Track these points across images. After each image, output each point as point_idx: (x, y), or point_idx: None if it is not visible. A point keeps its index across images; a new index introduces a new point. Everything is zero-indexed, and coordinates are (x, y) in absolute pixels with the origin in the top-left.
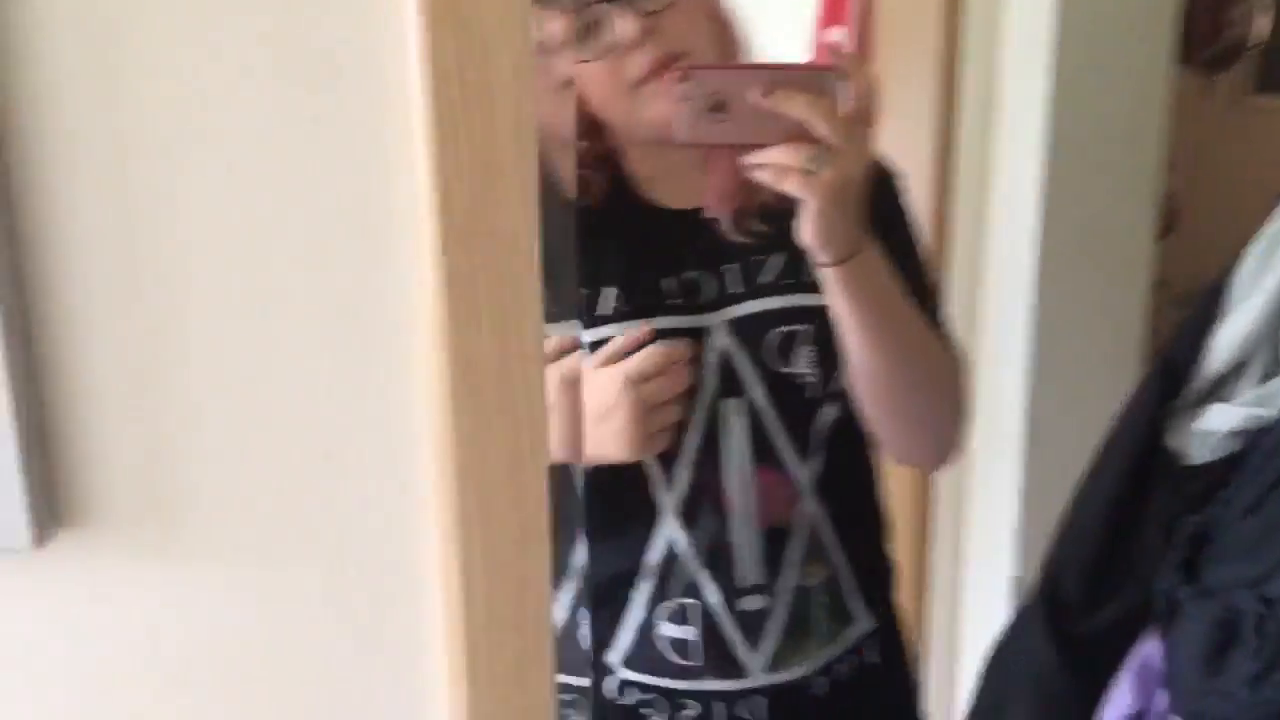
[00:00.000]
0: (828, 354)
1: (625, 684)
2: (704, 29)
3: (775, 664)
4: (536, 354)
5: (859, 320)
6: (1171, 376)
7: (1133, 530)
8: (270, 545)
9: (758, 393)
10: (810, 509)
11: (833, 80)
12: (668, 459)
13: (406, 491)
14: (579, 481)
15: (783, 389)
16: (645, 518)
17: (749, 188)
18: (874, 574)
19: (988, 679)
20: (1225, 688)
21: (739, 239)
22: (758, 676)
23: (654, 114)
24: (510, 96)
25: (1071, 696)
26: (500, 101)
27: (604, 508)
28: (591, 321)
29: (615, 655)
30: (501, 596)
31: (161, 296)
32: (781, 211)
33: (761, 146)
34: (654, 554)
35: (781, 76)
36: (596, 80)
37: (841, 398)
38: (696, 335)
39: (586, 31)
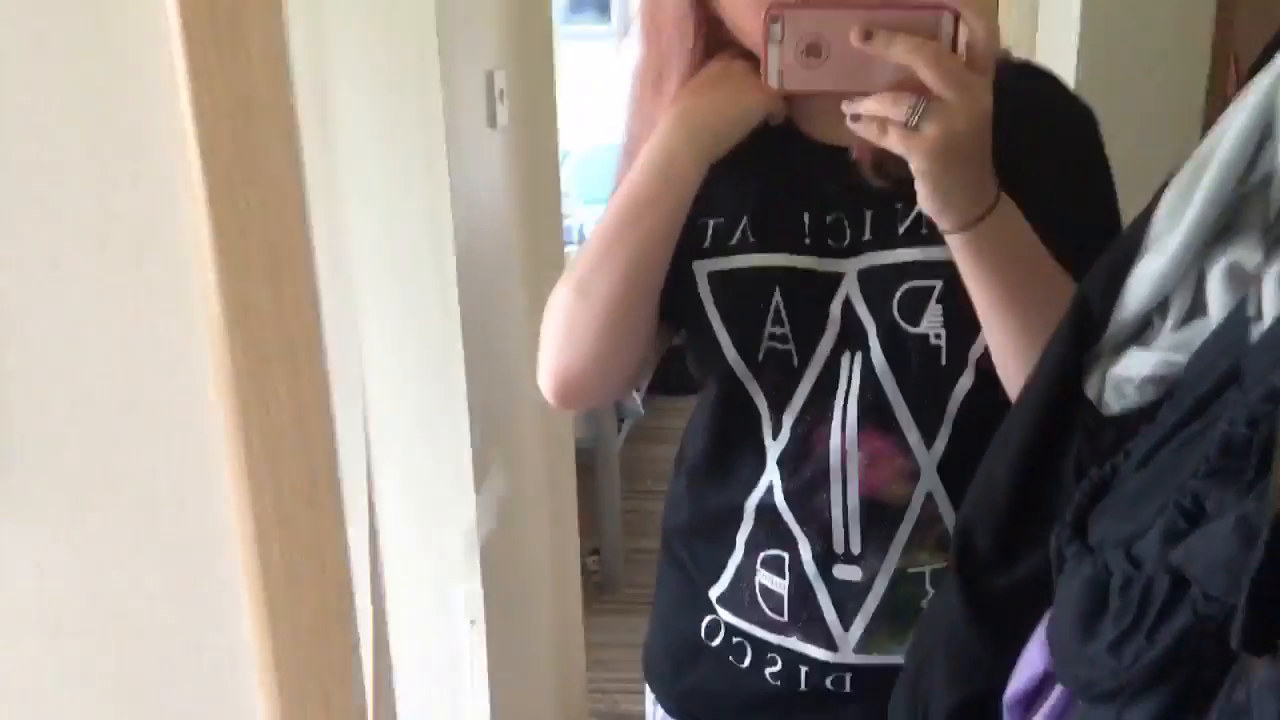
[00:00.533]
0: (965, 316)
1: (716, 624)
2: None
3: (867, 644)
4: (311, 296)
5: (988, 286)
6: (1088, 319)
7: (1049, 481)
8: (78, 496)
9: (876, 351)
10: (931, 489)
11: (944, 21)
12: (778, 403)
13: (199, 440)
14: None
15: (907, 350)
16: (754, 459)
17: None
18: None
19: (916, 639)
20: (1093, 652)
21: (880, 182)
22: (847, 654)
23: None
24: (262, 31)
25: (985, 656)
26: (252, 32)
27: (721, 442)
28: (720, 250)
29: (714, 592)
30: (294, 547)
31: None
32: None
33: (861, 94)
34: (754, 497)
35: (884, 17)
36: (747, 9)
37: (980, 369)
38: (826, 280)
39: None
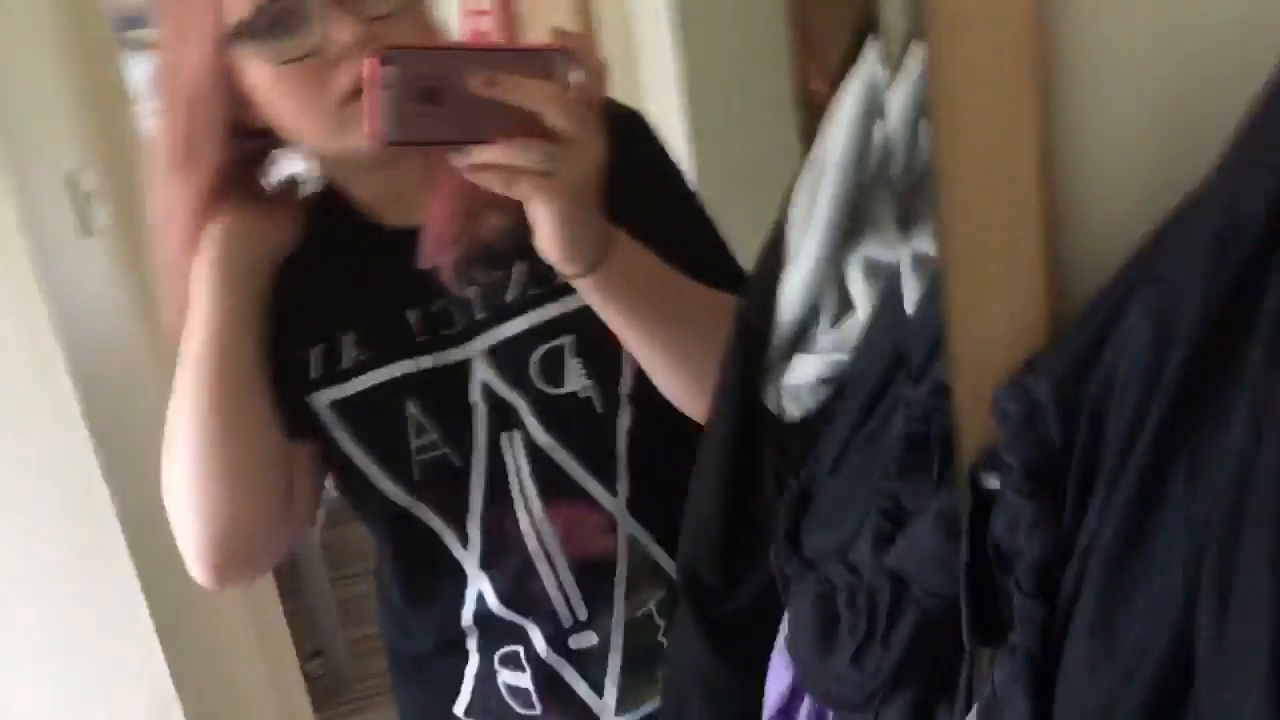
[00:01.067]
0: (601, 362)
1: None
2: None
3: (626, 702)
4: None
5: (630, 320)
6: (753, 333)
7: (754, 502)
8: None
9: (533, 423)
10: (631, 531)
11: (560, 61)
12: (456, 511)
13: None
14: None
15: (562, 413)
16: (454, 579)
17: (474, 213)
18: None
19: (665, 684)
20: (837, 668)
21: (462, 284)
22: (609, 718)
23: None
24: None
25: (736, 683)
26: None
27: (412, 577)
28: (332, 378)
29: (459, 707)
30: None
31: None
32: (515, 220)
33: (483, 142)
34: (468, 612)
35: (503, 58)
36: (290, 90)
37: (634, 404)
38: (454, 371)
39: (280, 25)
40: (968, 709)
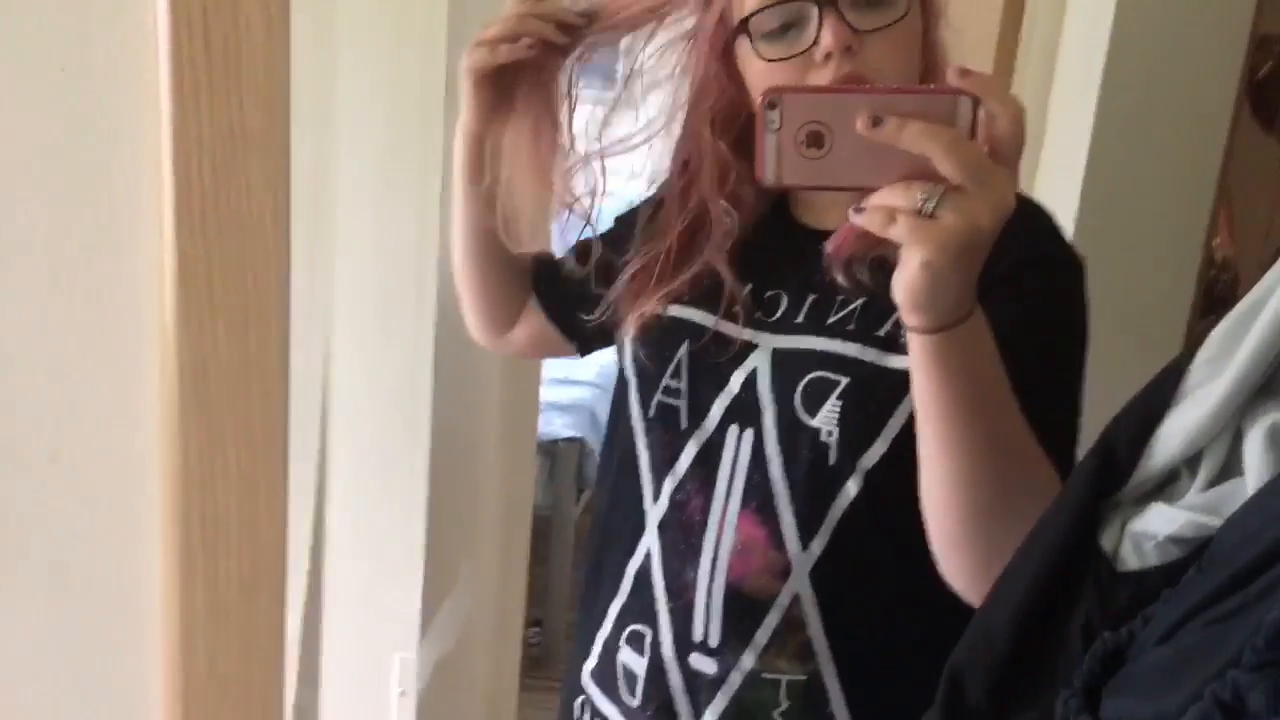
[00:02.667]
0: (861, 421)
1: (584, 704)
2: (910, 65)
3: None
4: (280, 364)
5: (941, 401)
6: (1112, 466)
7: (1053, 636)
8: None
9: (770, 430)
10: (799, 590)
11: (963, 105)
12: (661, 465)
13: (134, 512)
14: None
15: (797, 439)
16: (635, 523)
17: (870, 237)
18: (880, 713)
19: None
20: None
21: (843, 280)
22: None
23: None
24: (261, 57)
25: None
26: (249, 62)
27: (612, 501)
28: (656, 291)
29: (587, 668)
30: (223, 647)
31: None
32: (891, 263)
33: (867, 190)
34: (634, 562)
35: (895, 102)
36: (772, 80)
37: (873, 482)
38: (737, 350)
39: (785, 28)
40: None
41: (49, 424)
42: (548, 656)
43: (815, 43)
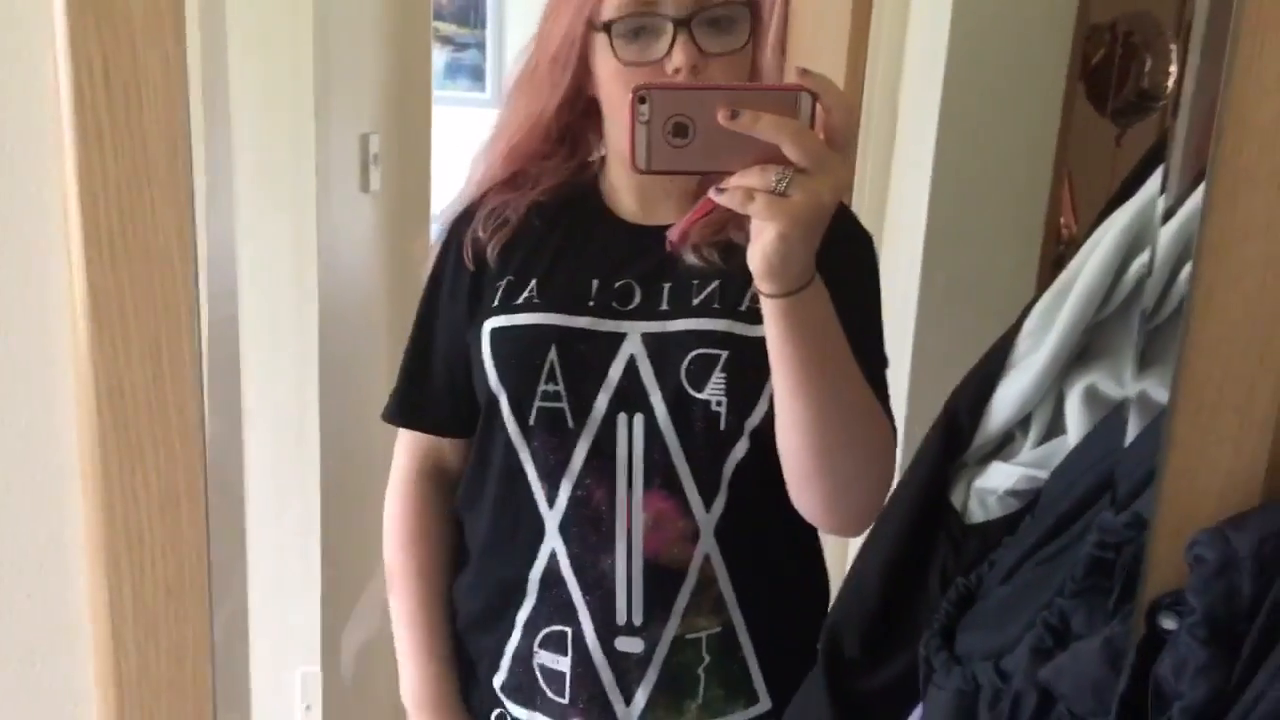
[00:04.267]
0: (743, 387)
1: (501, 716)
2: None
3: (647, 717)
4: (192, 381)
5: (793, 358)
6: (956, 430)
7: (915, 588)
8: None
9: (661, 412)
10: (709, 550)
11: (804, 100)
12: (553, 468)
13: (58, 532)
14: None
15: (690, 413)
16: (532, 530)
17: (711, 224)
18: (783, 648)
19: None
20: None
21: (692, 259)
22: None
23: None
24: (160, 95)
25: None
26: (150, 100)
27: (499, 514)
28: (505, 308)
29: (498, 681)
30: (154, 650)
31: None
32: (736, 245)
33: (725, 174)
34: (536, 569)
35: (748, 96)
36: (621, 86)
37: (758, 439)
38: (605, 340)
39: (636, 33)
40: None
41: None
42: None
43: (668, 56)
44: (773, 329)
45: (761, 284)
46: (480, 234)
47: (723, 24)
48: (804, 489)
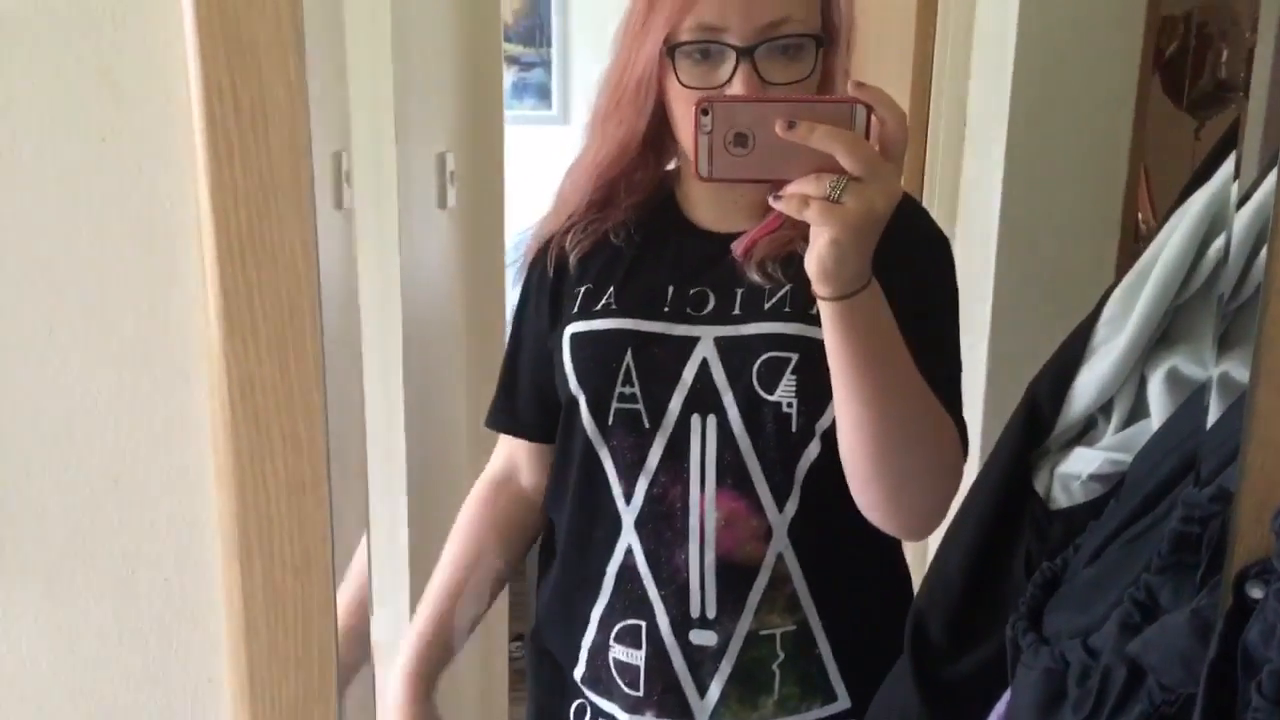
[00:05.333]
0: (815, 390)
1: (583, 707)
2: None
3: (720, 712)
4: (316, 376)
5: (849, 360)
6: (1038, 418)
7: (999, 574)
8: (61, 568)
9: (733, 413)
10: (781, 550)
11: (859, 112)
12: (630, 466)
13: (192, 518)
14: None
15: (762, 415)
16: (609, 526)
17: (777, 240)
18: (862, 647)
19: (870, 718)
20: None
21: (756, 277)
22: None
23: None
24: (285, 116)
25: None
26: (275, 121)
27: (578, 510)
28: (585, 314)
29: (578, 674)
30: (283, 627)
31: None
32: (801, 257)
33: (783, 183)
34: (613, 564)
35: (805, 108)
36: (686, 108)
37: (830, 441)
38: (679, 343)
39: (701, 57)
40: None
41: (110, 450)
42: None
43: (729, 83)
44: (829, 331)
45: (818, 287)
46: (565, 246)
47: (790, 53)
48: (865, 491)
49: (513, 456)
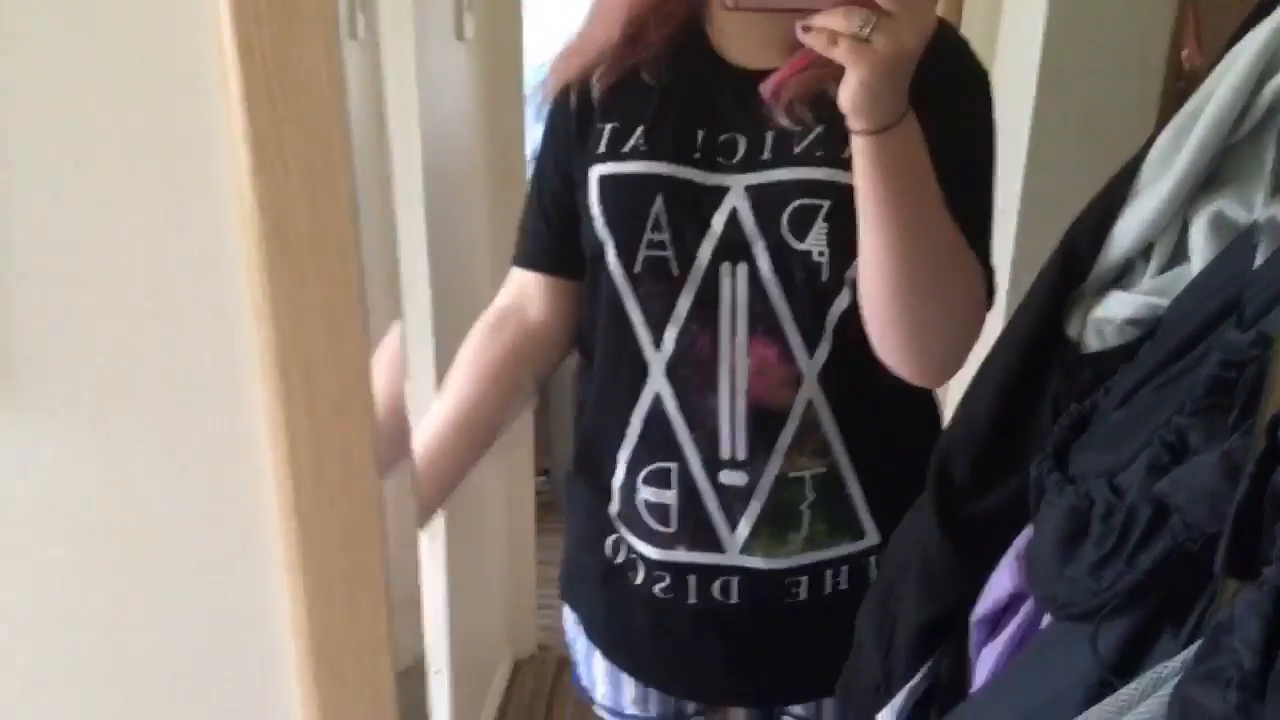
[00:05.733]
0: (845, 237)
1: (618, 542)
2: None
3: (751, 546)
4: (349, 207)
5: (878, 194)
6: (1075, 261)
7: (1027, 416)
8: (104, 398)
9: (763, 262)
10: (811, 396)
11: None
12: (658, 314)
13: (230, 347)
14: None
15: (792, 263)
16: (635, 374)
17: (806, 81)
18: (891, 486)
19: (888, 557)
20: (1072, 574)
21: (785, 120)
22: (733, 555)
23: None
24: None
25: (954, 577)
26: None
27: (607, 365)
28: (612, 155)
29: (613, 509)
30: (326, 454)
31: None
32: (833, 97)
33: (812, 13)
34: (639, 410)
35: None
36: None
37: (854, 291)
38: (709, 192)
39: None
40: (1192, 641)
41: (146, 283)
42: (556, 503)
43: None
44: (860, 164)
45: (851, 121)
46: (593, 80)
47: None
48: (885, 334)
49: (524, 288)
